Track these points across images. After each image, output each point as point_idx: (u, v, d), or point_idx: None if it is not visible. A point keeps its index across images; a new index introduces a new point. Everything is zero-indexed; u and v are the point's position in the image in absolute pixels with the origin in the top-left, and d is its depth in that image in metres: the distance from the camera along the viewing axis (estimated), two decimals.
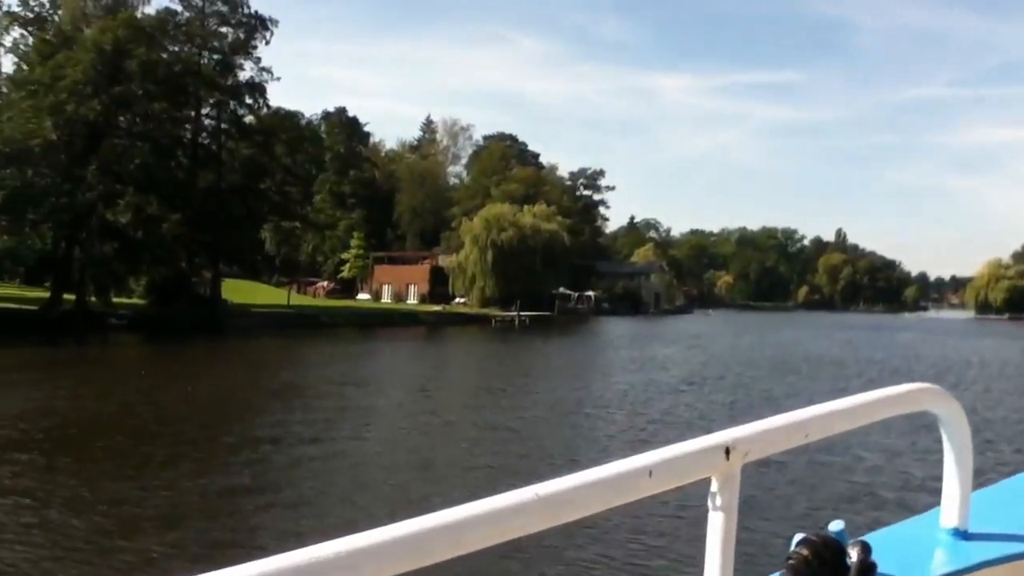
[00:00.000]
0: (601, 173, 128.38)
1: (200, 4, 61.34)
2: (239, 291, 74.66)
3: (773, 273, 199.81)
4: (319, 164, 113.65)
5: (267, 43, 63.03)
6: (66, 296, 54.39)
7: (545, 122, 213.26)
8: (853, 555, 1.53)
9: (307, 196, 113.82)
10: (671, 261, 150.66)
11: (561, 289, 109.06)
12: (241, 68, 64.39)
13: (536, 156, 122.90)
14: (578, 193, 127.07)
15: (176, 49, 59.13)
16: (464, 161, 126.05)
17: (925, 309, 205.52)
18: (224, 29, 63.19)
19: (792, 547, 1.52)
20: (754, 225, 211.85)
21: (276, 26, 63.03)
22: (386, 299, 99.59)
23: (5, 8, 56.55)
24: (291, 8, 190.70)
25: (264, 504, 13.30)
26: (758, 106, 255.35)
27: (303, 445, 17.90)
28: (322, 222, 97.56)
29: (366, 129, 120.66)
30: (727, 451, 1.42)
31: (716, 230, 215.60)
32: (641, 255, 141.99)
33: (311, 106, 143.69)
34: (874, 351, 52.28)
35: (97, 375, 31.71)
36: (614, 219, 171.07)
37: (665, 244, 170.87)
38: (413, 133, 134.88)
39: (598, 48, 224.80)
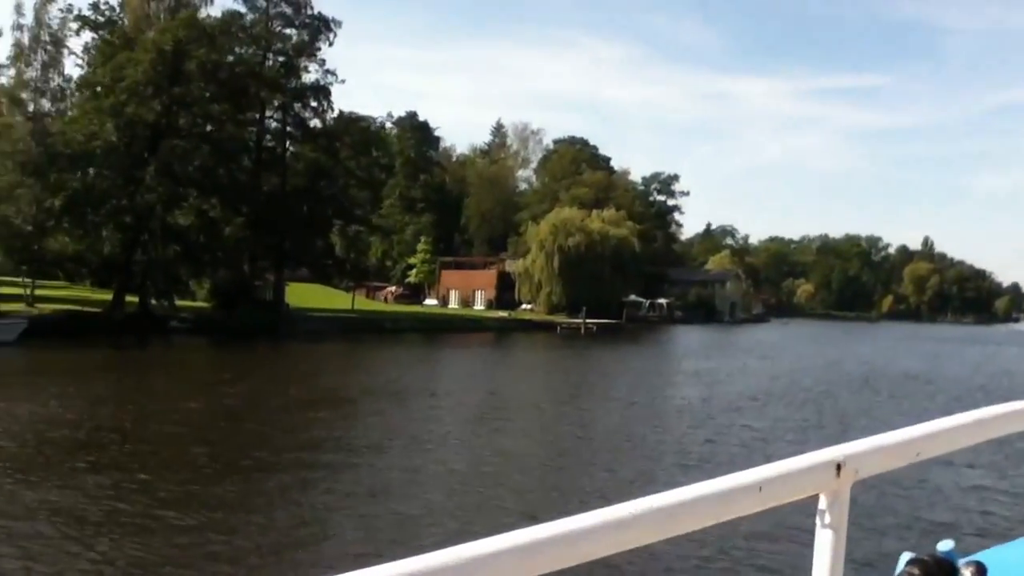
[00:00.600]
0: (675, 178, 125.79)
1: (264, 5, 61.17)
2: (305, 295, 74.42)
3: (856, 282, 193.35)
4: (390, 168, 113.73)
5: (330, 44, 62.67)
6: (130, 299, 54.53)
7: (618, 126, 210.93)
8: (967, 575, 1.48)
9: (374, 200, 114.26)
10: (748, 269, 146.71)
11: (632, 296, 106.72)
12: (306, 70, 64.18)
13: (607, 160, 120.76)
14: (651, 198, 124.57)
15: (240, 51, 58.80)
16: (534, 165, 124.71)
17: (1017, 320, 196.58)
18: (288, 31, 63.00)
19: (901, 567, 1.49)
20: (836, 232, 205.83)
21: (339, 27, 62.63)
22: (453, 305, 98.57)
23: (76, 12, 56.81)
24: (364, 12, 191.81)
25: (351, 512, 13.14)
26: (842, 110, 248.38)
27: (370, 453, 17.76)
28: (387, 226, 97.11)
29: (436, 133, 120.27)
30: (838, 468, 1.43)
31: (796, 237, 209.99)
32: (716, 262, 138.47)
33: (383, 111, 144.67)
34: (961, 366, 49.14)
35: (158, 378, 31.12)
36: (690, 225, 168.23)
37: (742, 251, 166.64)
38: (484, 138, 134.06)
39: (676, 52, 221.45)
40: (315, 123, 65.41)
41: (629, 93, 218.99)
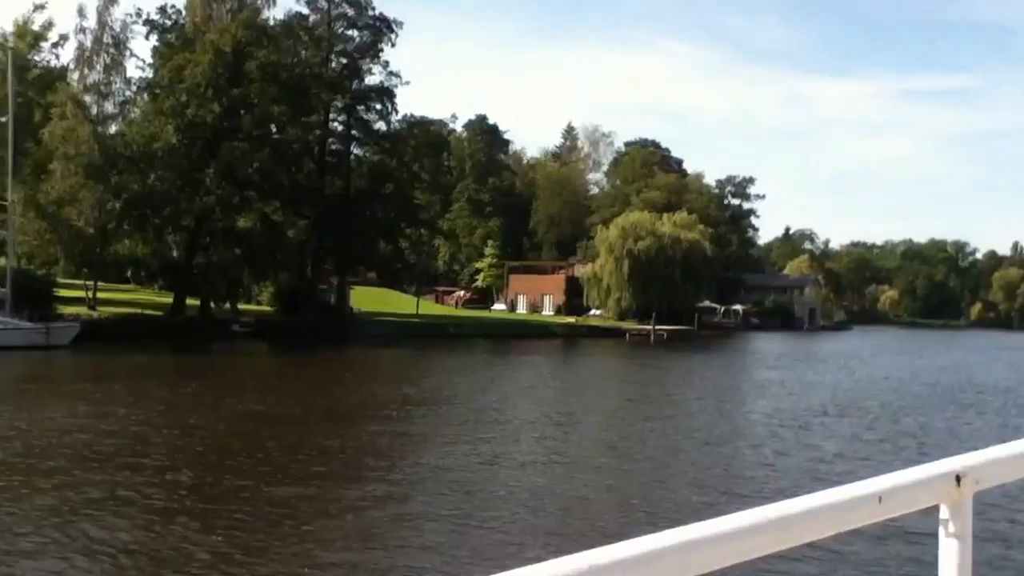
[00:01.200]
0: (751, 180, 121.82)
1: (326, 6, 60.52)
2: (369, 299, 73.74)
3: (942, 288, 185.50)
4: (460, 172, 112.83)
5: (393, 45, 61.71)
6: (193, 302, 54.23)
7: (692, 129, 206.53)
8: None
9: (444, 204, 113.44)
10: (828, 274, 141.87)
11: (706, 302, 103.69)
12: (369, 72, 63.41)
13: (680, 163, 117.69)
14: (726, 202, 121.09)
15: (302, 52, 58.11)
16: (605, 168, 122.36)
17: None
18: (351, 32, 62.25)
19: None
20: (921, 237, 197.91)
21: (401, 28, 61.59)
22: (521, 310, 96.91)
23: (144, 16, 56.76)
24: (436, 15, 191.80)
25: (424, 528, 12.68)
26: (929, 113, 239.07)
27: (438, 464, 17.38)
28: (448, 229, 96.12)
29: (506, 136, 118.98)
30: (957, 478, 1.45)
31: (879, 242, 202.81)
32: (795, 267, 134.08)
33: (456, 113, 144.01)
34: None
35: (207, 383, 30.16)
36: (768, 230, 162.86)
37: (823, 256, 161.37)
38: (555, 141, 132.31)
39: (755, 54, 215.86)
40: (379, 126, 64.57)
41: (704, 95, 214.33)
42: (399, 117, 64.47)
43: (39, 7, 61.00)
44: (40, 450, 17.07)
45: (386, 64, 62.87)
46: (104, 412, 22.05)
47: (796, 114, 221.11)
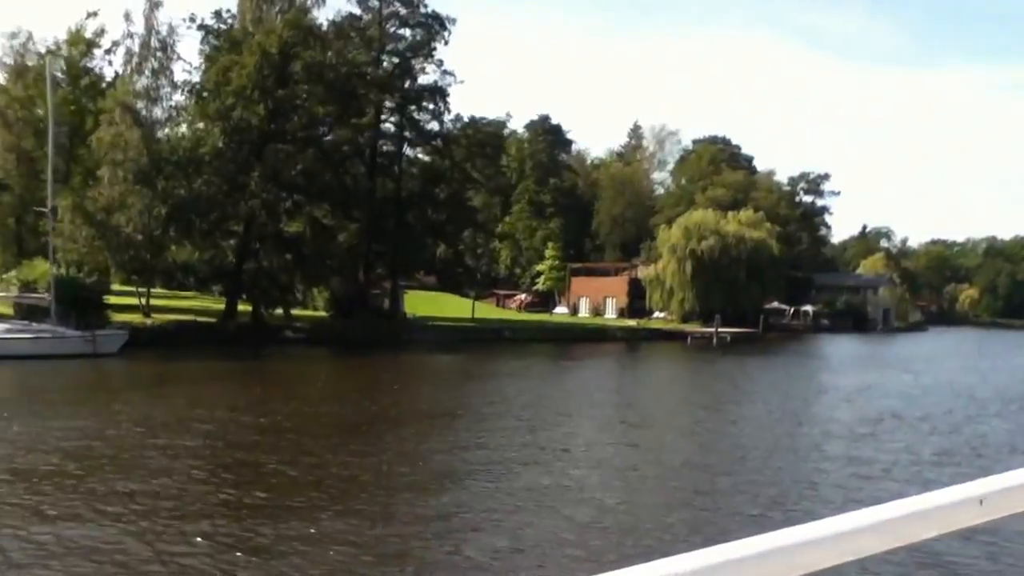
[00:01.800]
0: (825, 176, 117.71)
1: (377, 5, 59.39)
2: (425, 303, 72.57)
3: None
4: (520, 173, 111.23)
5: (446, 43, 60.26)
6: (247, 308, 53.59)
7: (766, 125, 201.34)
8: None
9: (502, 206, 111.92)
10: (904, 273, 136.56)
11: (775, 303, 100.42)
12: (423, 72, 62.08)
13: (750, 160, 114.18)
14: (798, 199, 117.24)
15: (353, 53, 56.94)
16: (671, 167, 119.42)
17: None
18: (403, 31, 61.04)
19: None
20: (1005, 234, 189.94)
21: (454, 24, 60.11)
22: (584, 313, 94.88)
23: (199, 21, 56.27)
24: (501, 15, 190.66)
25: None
26: (1016, 106, 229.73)
27: (499, 472, 16.87)
28: (503, 231, 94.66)
29: (569, 136, 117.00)
30: None
31: (960, 240, 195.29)
32: (869, 266, 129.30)
33: (516, 114, 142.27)
34: None
35: (254, 390, 29.18)
36: (845, 228, 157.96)
37: (899, 255, 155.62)
38: (620, 140, 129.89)
39: (832, 46, 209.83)
40: (432, 126, 63.18)
41: (778, 90, 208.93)
42: (452, 117, 63.02)
43: (92, 14, 61.39)
44: (92, 457, 16.25)
45: (440, 63, 61.52)
46: (144, 418, 21.67)
47: (874, 108, 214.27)
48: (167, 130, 50.69)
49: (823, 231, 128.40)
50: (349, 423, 22.69)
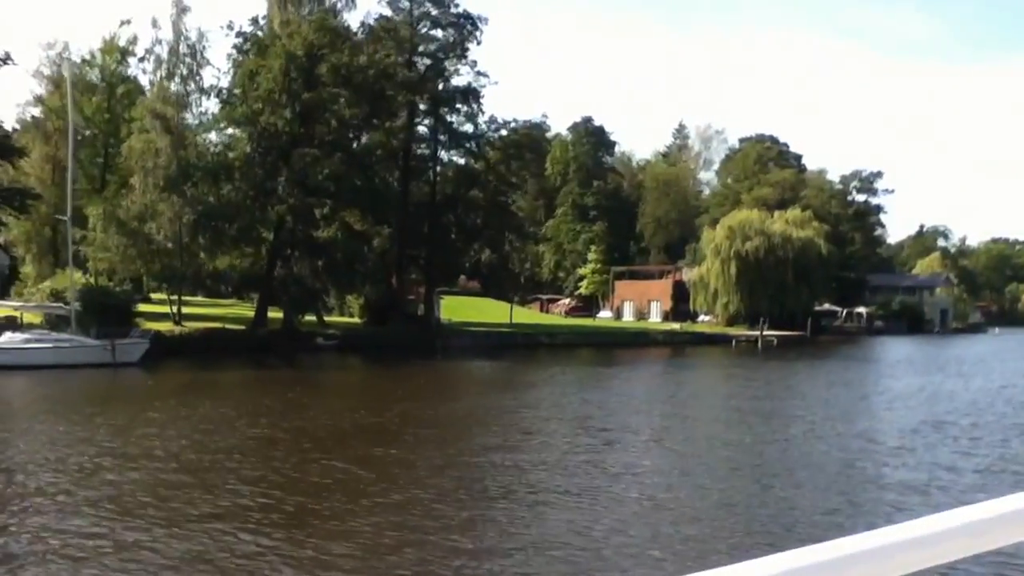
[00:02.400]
0: (878, 174, 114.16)
1: (408, 6, 58.54)
2: (463, 308, 71.57)
3: None
4: (564, 176, 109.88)
5: (478, 43, 59.25)
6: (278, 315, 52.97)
7: (816, 124, 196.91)
8: None
9: (546, 209, 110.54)
10: (962, 273, 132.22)
11: (826, 305, 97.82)
12: (457, 73, 61.13)
13: (799, 158, 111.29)
14: (850, 198, 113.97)
15: (384, 54, 56.03)
16: (716, 167, 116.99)
17: None
18: (435, 32, 60.15)
19: None
20: None
21: (486, 24, 59.08)
22: (628, 317, 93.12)
23: (237, 28, 55.87)
24: (541, 17, 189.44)
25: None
26: None
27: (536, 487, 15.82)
28: (542, 235, 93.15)
29: (612, 138, 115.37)
30: None
31: (1023, 238, 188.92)
32: (925, 266, 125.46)
33: (545, 113, 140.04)
34: None
35: (272, 400, 27.89)
36: (902, 228, 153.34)
37: (957, 254, 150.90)
38: (666, 141, 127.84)
39: (884, 44, 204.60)
40: (467, 128, 62.14)
41: (829, 88, 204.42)
42: (487, 119, 61.91)
43: (125, 22, 61.57)
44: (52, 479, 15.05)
45: (473, 64, 60.53)
46: (122, 432, 20.47)
47: (930, 106, 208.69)
48: (197, 137, 50.03)
49: (878, 231, 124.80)
50: (357, 435, 21.40)
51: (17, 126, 63.54)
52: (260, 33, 53.90)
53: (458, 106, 60.42)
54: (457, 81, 61.03)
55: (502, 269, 79.04)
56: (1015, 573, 10.15)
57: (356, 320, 60.45)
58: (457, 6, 58.78)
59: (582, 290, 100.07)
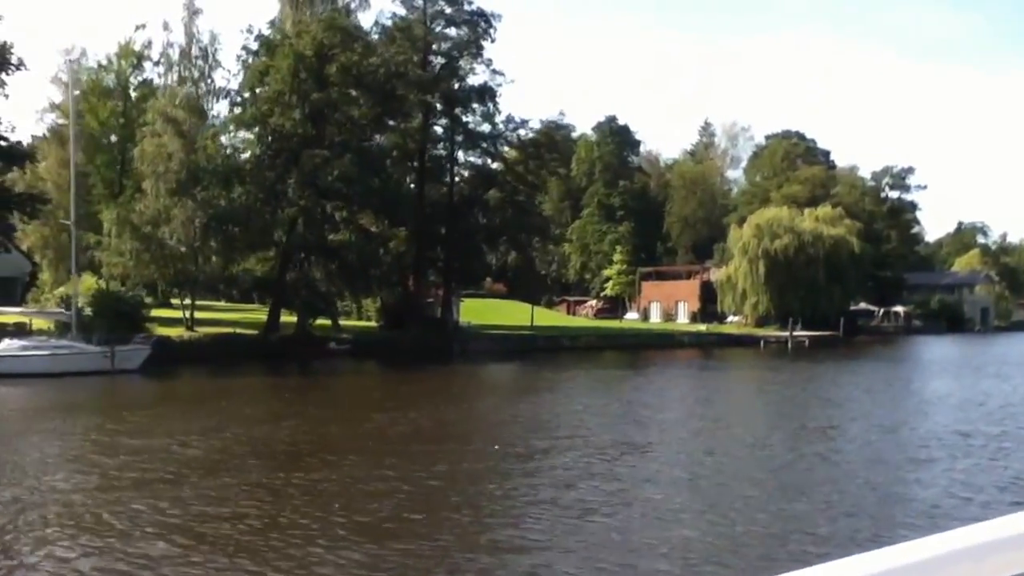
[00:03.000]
0: (910, 170, 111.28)
1: (421, 4, 57.50)
2: (484, 310, 70.51)
3: None
4: (589, 176, 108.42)
5: (492, 41, 58.07)
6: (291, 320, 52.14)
7: (843, 120, 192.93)
8: None
9: (572, 210, 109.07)
10: (1003, 270, 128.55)
11: (862, 304, 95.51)
12: (472, 72, 59.97)
13: (827, 154, 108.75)
14: (883, 195, 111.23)
15: (394, 53, 55.01)
16: (744, 164, 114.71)
17: None
18: (450, 30, 59.04)
19: None
20: None
21: (499, 21, 57.85)
22: (655, 318, 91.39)
23: (256, 32, 55.19)
24: (564, 16, 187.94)
25: None
26: None
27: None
28: (561, 235, 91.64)
29: (638, 137, 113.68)
30: None
31: None
32: (964, 263, 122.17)
33: (562, 111, 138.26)
34: None
35: (278, 415, 26.78)
36: (940, 225, 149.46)
37: (999, 251, 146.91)
38: (692, 140, 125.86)
39: (913, 38, 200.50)
40: (484, 128, 60.92)
41: (856, 84, 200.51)
42: (503, 118, 60.68)
43: (140, 27, 61.16)
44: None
45: (489, 62, 59.32)
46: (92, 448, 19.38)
47: (969, 101, 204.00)
48: (208, 140, 49.34)
49: (915, 228, 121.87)
50: (316, 450, 20.19)
51: (47, 133, 63.28)
52: (278, 36, 53.15)
53: (474, 105, 59.23)
54: (473, 80, 59.91)
55: (526, 271, 77.76)
56: None
57: (373, 324, 59.52)
58: (471, 3, 57.71)
59: (607, 291, 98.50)
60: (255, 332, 50.35)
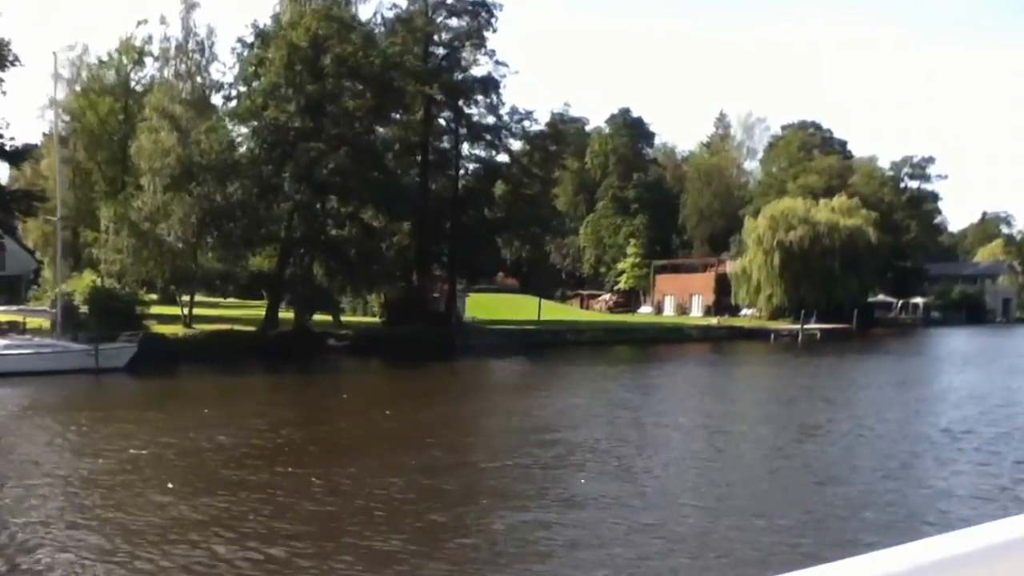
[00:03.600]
0: (930, 160, 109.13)
1: None
2: (496, 305, 69.75)
3: None
4: (603, 169, 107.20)
5: (493, 30, 57.02)
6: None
7: (860, 110, 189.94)
8: None
9: (587, 204, 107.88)
10: None
11: (881, 296, 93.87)
12: (475, 63, 58.97)
13: (844, 144, 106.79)
14: (903, 185, 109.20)
15: (393, 44, 54.10)
16: (760, 156, 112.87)
17: None
18: (452, 21, 58.08)
19: None
20: None
21: (500, 10, 56.78)
22: (669, 311, 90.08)
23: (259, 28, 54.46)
24: (576, 7, 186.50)
25: None
26: None
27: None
28: (585, 229, 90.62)
29: (652, 129, 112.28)
30: None
31: None
32: (986, 253, 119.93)
33: (567, 102, 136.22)
34: None
35: (252, 423, 25.94)
36: (965, 216, 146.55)
37: (1022, 241, 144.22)
38: (707, 131, 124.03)
39: (936, 26, 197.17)
40: (489, 120, 59.86)
41: (873, 73, 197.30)
42: (507, 109, 59.63)
43: (142, 22, 60.70)
44: None
45: (492, 52, 58.27)
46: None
47: (993, 90, 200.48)
48: (202, 135, 48.65)
49: (937, 219, 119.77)
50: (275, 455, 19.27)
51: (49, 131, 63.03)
52: (268, 27, 52.51)
53: (478, 97, 58.22)
54: (476, 71, 58.88)
55: (536, 265, 76.81)
56: None
57: (377, 319, 58.81)
58: None
59: (621, 285, 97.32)
60: (254, 329, 49.75)
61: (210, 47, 51.48)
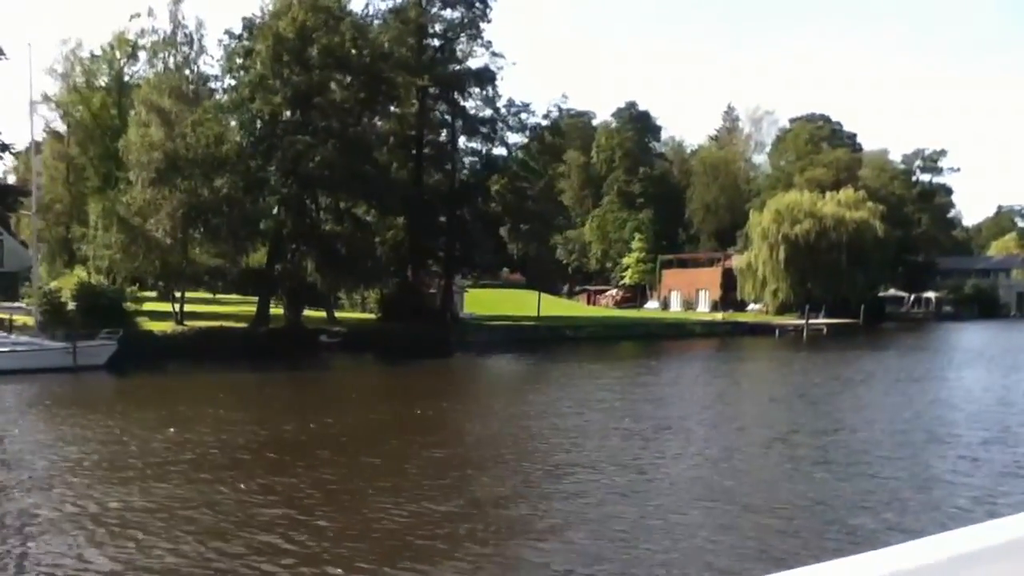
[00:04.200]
0: (942, 153, 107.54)
1: None
2: (496, 301, 68.91)
3: None
4: (609, 163, 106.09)
5: (488, 21, 56.01)
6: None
7: (871, 103, 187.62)
8: None
9: (593, 198, 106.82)
10: None
11: (891, 291, 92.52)
12: (472, 55, 57.97)
13: (853, 137, 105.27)
14: (914, 178, 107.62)
15: (385, 35, 53.17)
16: (768, 149, 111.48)
17: None
18: (446, 12, 57.05)
19: None
20: None
21: (496, 0, 55.86)
22: (675, 307, 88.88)
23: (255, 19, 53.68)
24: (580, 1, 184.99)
25: None
26: None
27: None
28: (567, 223, 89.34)
29: (658, 123, 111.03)
30: None
31: None
32: (1000, 247, 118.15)
33: (565, 94, 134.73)
34: None
35: (224, 426, 25.01)
36: (981, 209, 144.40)
37: None
38: (715, 125, 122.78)
39: (944, 21, 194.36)
40: (485, 113, 58.82)
41: (884, 65, 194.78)
42: (504, 102, 58.59)
43: (135, 15, 59.94)
44: None
45: (488, 44, 57.25)
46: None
47: (1008, 82, 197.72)
48: (188, 128, 47.92)
49: (951, 212, 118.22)
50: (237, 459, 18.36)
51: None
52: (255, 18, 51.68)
53: (474, 89, 57.19)
54: (472, 63, 57.84)
55: (538, 260, 75.73)
56: None
57: (372, 316, 57.96)
58: None
59: (626, 280, 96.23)
60: (245, 325, 48.96)
61: (199, 40, 50.88)
